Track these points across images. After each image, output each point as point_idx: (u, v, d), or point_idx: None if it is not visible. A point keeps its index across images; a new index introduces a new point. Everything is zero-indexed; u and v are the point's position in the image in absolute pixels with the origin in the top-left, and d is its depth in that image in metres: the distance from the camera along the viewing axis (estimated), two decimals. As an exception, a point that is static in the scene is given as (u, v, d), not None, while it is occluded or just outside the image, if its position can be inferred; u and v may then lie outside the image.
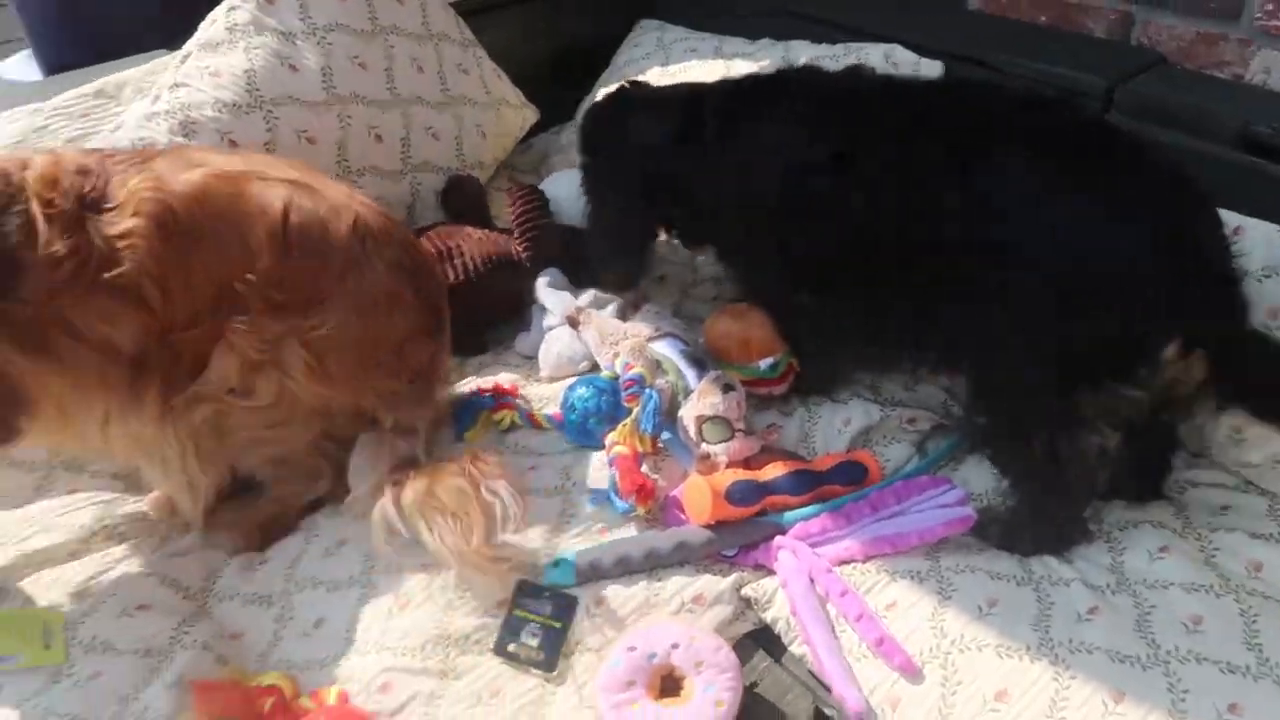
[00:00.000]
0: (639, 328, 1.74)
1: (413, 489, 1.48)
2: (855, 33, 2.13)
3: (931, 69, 2.02)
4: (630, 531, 1.52)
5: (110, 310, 1.34)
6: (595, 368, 1.80)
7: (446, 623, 1.39)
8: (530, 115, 2.31)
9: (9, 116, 1.82)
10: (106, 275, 1.32)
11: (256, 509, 1.60)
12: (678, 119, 1.74)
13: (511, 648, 1.38)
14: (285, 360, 1.45)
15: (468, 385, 1.79)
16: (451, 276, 1.84)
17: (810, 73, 1.74)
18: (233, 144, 1.82)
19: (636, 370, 1.63)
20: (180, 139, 1.79)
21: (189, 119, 1.81)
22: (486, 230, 1.95)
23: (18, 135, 1.80)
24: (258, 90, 1.86)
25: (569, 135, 2.40)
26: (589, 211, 1.85)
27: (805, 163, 1.60)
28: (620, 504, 1.51)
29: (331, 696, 1.29)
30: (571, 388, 1.68)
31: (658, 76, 2.27)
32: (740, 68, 2.18)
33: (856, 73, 1.74)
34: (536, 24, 2.45)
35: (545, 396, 1.77)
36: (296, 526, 1.60)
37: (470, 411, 1.71)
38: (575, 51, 2.51)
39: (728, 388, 1.61)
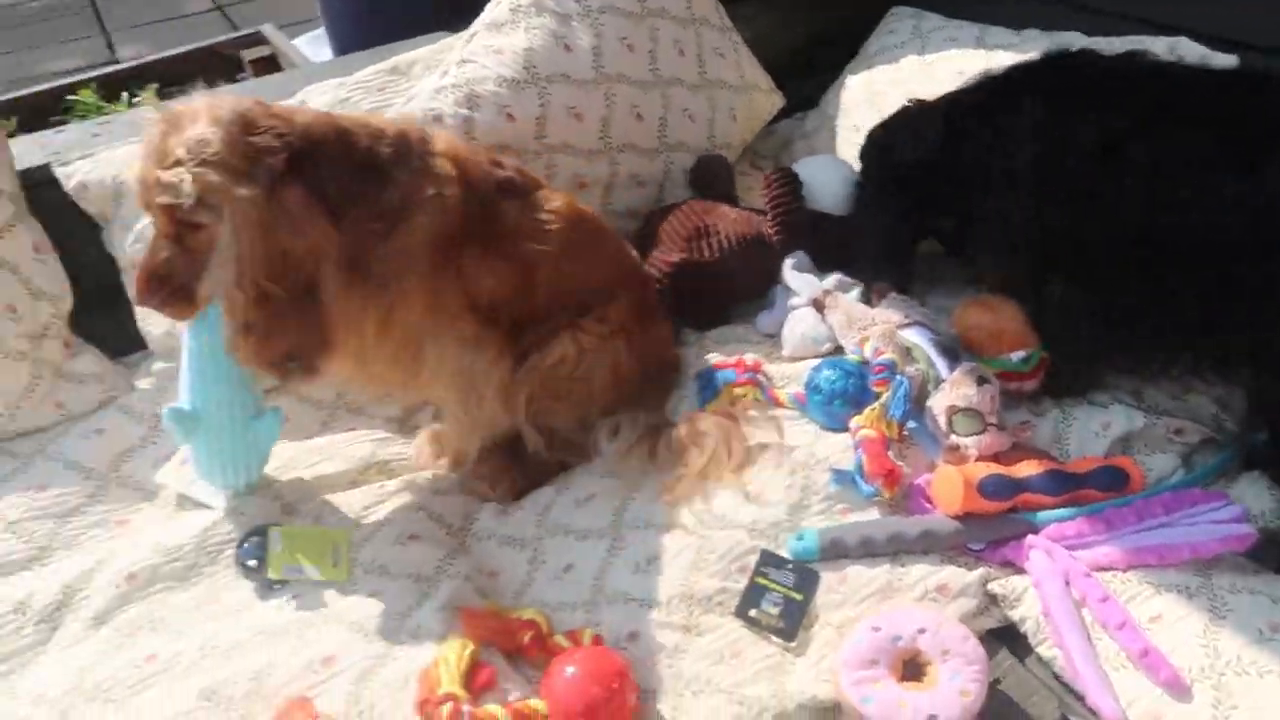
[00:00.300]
0: (888, 314, 1.72)
1: (668, 435, 1.62)
2: (1138, 22, 2.01)
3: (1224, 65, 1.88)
4: (872, 515, 1.51)
5: (501, 270, 1.58)
6: (838, 350, 1.79)
7: (691, 582, 1.44)
8: (777, 101, 2.32)
9: (320, 89, 2.02)
10: (529, 246, 1.58)
11: (516, 467, 1.70)
12: (939, 125, 1.73)
13: (753, 613, 1.40)
14: (604, 350, 1.67)
15: (710, 358, 1.83)
16: (706, 254, 1.89)
17: (1082, 56, 1.68)
18: (510, 117, 1.94)
19: (887, 356, 1.62)
20: (464, 111, 1.92)
21: (473, 93, 1.94)
22: (739, 209, 1.98)
23: (325, 106, 1.98)
24: (535, 68, 1.96)
25: (813, 122, 2.39)
26: (862, 227, 1.88)
27: (1064, 148, 1.55)
28: (865, 487, 1.50)
29: (586, 638, 1.35)
30: (817, 369, 1.68)
31: (914, 65, 2.23)
32: (1003, 59, 2.10)
33: (1133, 57, 1.65)
34: (794, 12, 2.45)
35: (786, 375, 1.78)
36: (548, 483, 1.70)
37: (712, 384, 1.74)
38: (823, 39, 2.50)
39: (982, 380, 1.57)
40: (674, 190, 2.12)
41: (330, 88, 2.01)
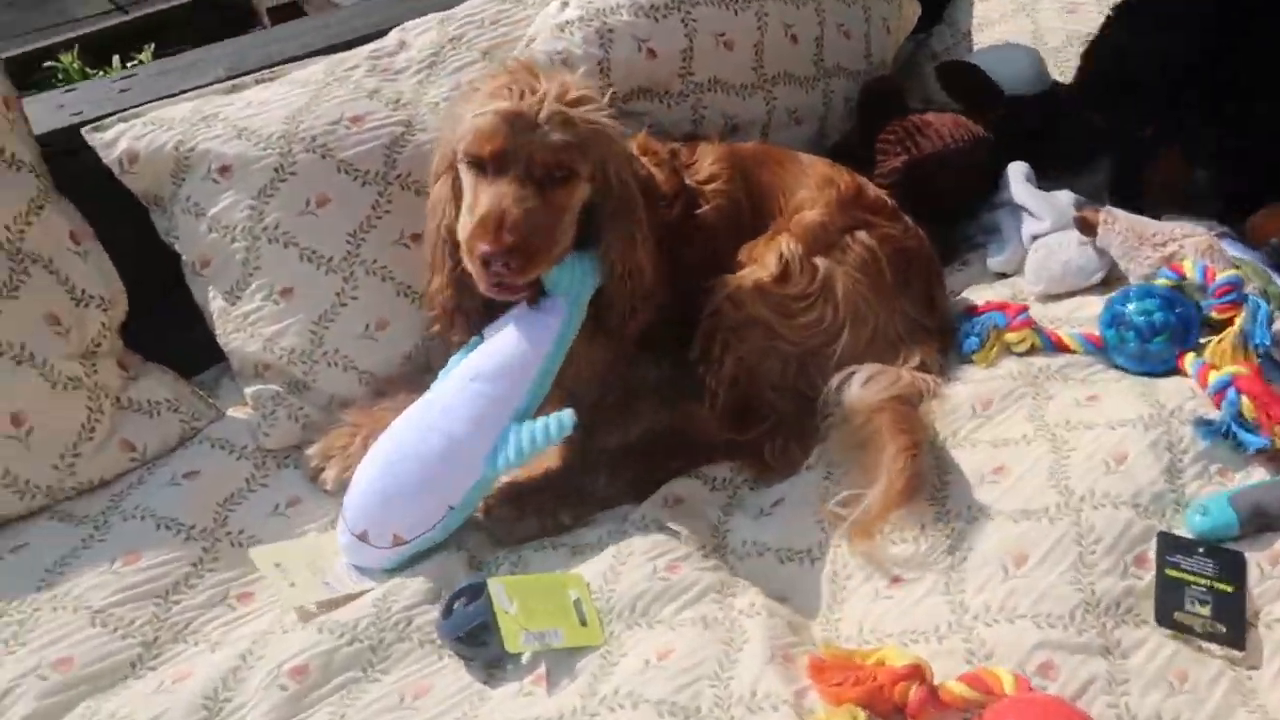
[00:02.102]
0: (1188, 227, 1.34)
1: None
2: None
3: None
4: (1259, 473, 1.12)
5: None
6: (1107, 281, 1.41)
7: (1087, 584, 1.02)
8: (917, 9, 1.91)
9: (419, 26, 1.52)
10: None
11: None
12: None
13: (1178, 616, 1.00)
14: (844, 250, 1.34)
15: (963, 300, 1.43)
16: (927, 147, 1.52)
17: None
18: (651, 54, 1.49)
19: (1231, 274, 1.23)
20: (597, 51, 1.47)
21: (604, 26, 1.48)
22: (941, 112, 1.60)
23: (432, 47, 1.49)
24: (676, -13, 1.52)
25: (942, 41, 1.95)
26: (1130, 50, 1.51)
27: None
28: (1253, 439, 1.11)
29: (1007, 683, 0.92)
30: (1120, 299, 1.29)
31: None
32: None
33: None
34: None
35: (1053, 317, 1.39)
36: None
37: (979, 329, 1.33)
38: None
39: (1355, 293, 1.20)
40: (836, 125, 1.70)
41: (434, 24, 1.52)
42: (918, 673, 0.93)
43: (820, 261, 1.30)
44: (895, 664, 0.94)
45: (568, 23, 1.49)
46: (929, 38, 2.01)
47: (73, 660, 1.06)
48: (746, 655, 1.00)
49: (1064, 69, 1.77)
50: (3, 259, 1.23)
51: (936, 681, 0.94)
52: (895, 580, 1.08)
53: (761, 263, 1.30)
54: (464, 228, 1.16)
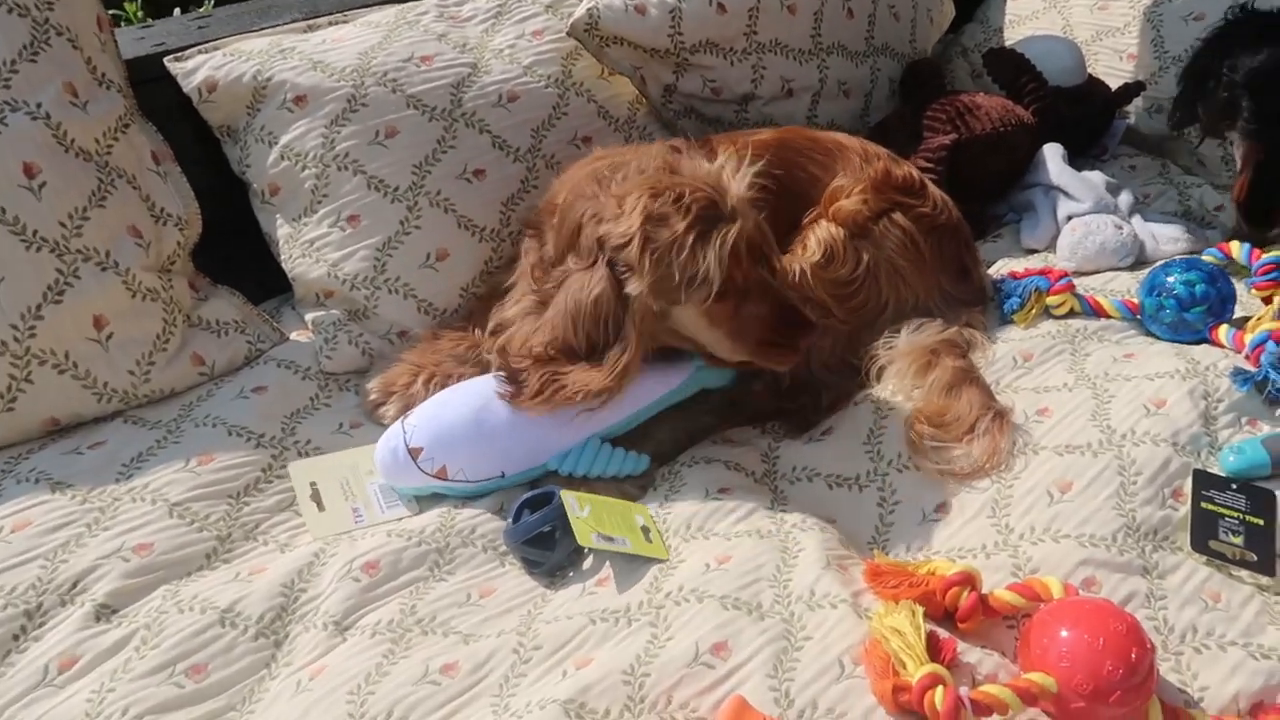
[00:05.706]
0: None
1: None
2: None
3: None
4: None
5: None
6: (1134, 266, 1.49)
7: (1128, 510, 1.09)
8: (951, 11, 2.01)
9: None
10: None
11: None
12: None
13: (1213, 544, 1.06)
14: (883, 232, 1.39)
15: (1002, 265, 1.51)
16: (977, 128, 1.60)
17: None
18: (721, 8, 1.58)
19: (1275, 254, 1.31)
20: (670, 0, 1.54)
21: (678, -28, 1.57)
22: (988, 95, 1.68)
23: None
24: (753, -58, 1.60)
25: (974, 37, 2.04)
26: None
27: None
28: (1290, 386, 1.19)
29: (1055, 589, 0.98)
30: (1164, 270, 1.36)
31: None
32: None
33: None
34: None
35: (1087, 287, 1.46)
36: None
37: (1021, 291, 1.41)
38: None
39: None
40: (879, 103, 1.79)
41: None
42: (969, 579, 0.99)
43: (863, 246, 1.35)
44: (946, 572, 1.01)
45: None
46: (959, 35, 2.10)
47: (152, 546, 1.11)
48: (803, 561, 1.05)
49: (1093, 63, 1.87)
50: (93, 170, 1.29)
51: (985, 590, 1.01)
52: (941, 506, 1.15)
53: (805, 247, 1.35)
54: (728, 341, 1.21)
